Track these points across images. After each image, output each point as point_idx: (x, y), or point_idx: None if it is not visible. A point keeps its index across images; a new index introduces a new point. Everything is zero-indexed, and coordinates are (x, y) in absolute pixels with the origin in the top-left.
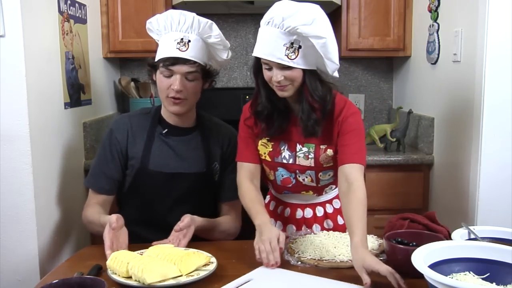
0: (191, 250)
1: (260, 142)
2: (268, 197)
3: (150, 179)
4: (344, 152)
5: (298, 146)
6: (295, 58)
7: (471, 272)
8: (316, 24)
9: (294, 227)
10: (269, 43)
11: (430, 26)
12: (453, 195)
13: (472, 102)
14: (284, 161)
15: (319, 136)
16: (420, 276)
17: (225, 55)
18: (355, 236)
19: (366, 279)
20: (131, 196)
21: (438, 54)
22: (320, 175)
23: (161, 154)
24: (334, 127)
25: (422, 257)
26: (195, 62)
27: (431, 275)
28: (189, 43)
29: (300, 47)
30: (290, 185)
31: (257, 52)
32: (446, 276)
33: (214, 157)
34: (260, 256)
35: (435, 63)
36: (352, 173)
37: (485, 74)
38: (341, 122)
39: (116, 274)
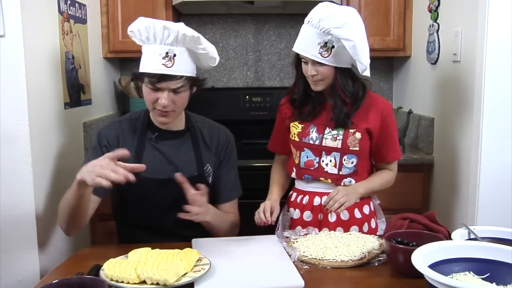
0: (174, 250)
1: (291, 124)
2: (291, 192)
3: (143, 186)
4: (385, 150)
5: (328, 129)
6: (327, 56)
7: (471, 272)
8: (347, 28)
9: (311, 214)
10: (306, 41)
11: (430, 26)
12: (453, 195)
13: (472, 102)
14: (311, 142)
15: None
16: (420, 276)
17: (213, 62)
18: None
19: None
20: (125, 201)
21: (438, 54)
22: (344, 160)
23: (153, 160)
24: (372, 115)
25: (422, 257)
26: (182, 76)
27: (431, 275)
28: (175, 58)
29: (333, 46)
30: (312, 168)
31: (296, 47)
32: (446, 276)
33: (206, 159)
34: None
35: (435, 63)
36: (390, 168)
37: (485, 74)
38: (384, 117)
39: (123, 282)
